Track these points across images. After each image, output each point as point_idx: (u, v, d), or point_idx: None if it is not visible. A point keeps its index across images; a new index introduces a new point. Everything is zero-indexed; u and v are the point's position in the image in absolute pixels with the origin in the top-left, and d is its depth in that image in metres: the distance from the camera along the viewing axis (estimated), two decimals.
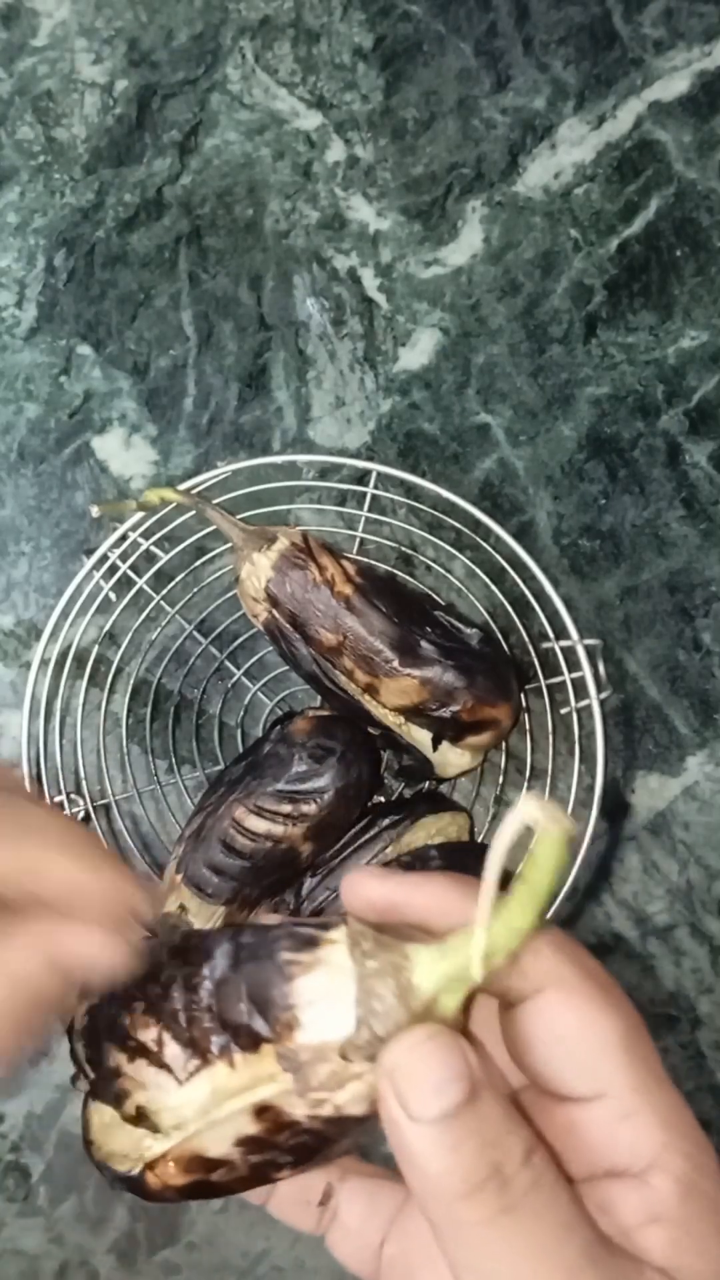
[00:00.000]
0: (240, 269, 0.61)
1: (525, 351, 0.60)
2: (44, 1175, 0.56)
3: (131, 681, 0.58)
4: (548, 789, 0.55)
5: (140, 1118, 0.22)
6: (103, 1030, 0.23)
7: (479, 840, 0.54)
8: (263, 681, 0.58)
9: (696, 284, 0.60)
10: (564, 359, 0.60)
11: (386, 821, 0.50)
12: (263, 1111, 0.21)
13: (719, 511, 0.59)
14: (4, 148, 0.63)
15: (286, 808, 0.48)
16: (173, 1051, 0.22)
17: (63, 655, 0.56)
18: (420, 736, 0.49)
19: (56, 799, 0.56)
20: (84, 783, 0.56)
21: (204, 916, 0.48)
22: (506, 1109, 0.21)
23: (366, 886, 0.24)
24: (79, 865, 0.23)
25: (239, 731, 0.58)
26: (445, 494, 0.54)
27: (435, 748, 0.49)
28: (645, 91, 0.62)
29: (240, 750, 0.55)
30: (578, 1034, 0.22)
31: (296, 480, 0.58)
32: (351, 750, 0.49)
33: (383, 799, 0.54)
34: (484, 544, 0.55)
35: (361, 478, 0.58)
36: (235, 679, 0.58)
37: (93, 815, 0.56)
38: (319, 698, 0.52)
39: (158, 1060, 0.22)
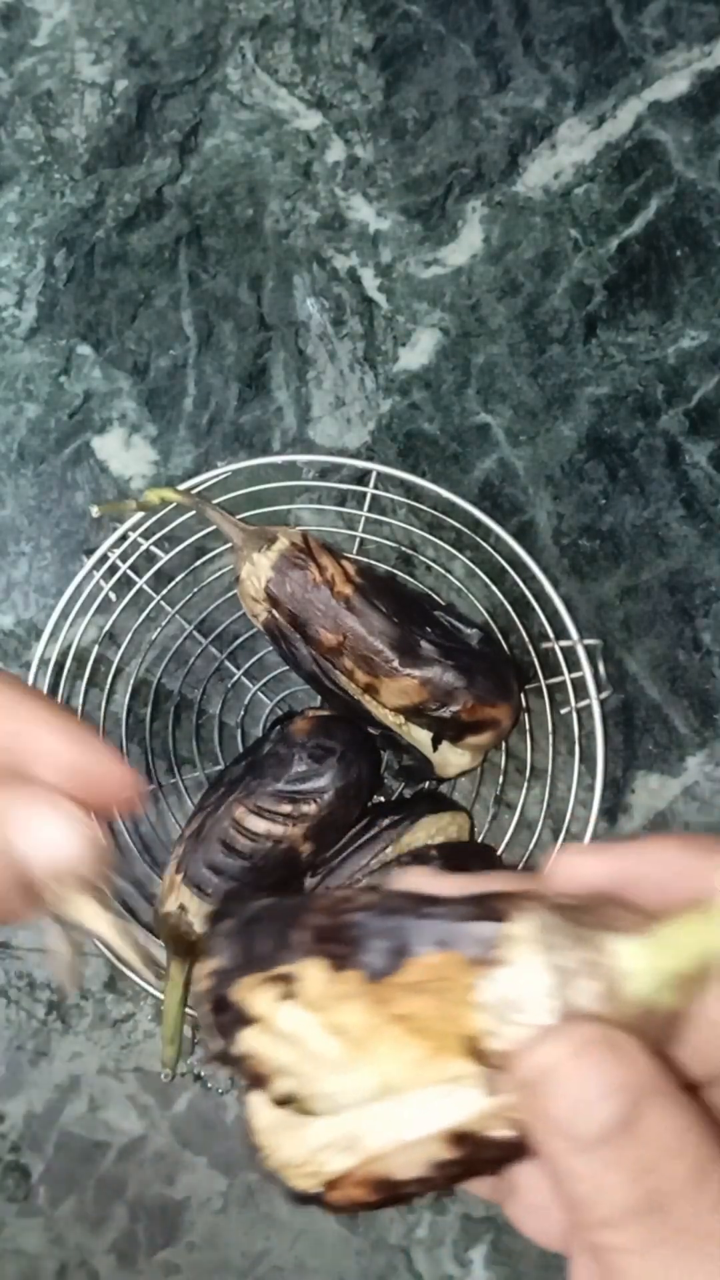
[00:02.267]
0: (240, 269, 0.61)
1: (525, 351, 0.60)
2: (44, 1175, 0.56)
3: (131, 681, 0.58)
4: (548, 789, 0.55)
5: (289, 1102, 0.20)
6: (233, 1007, 0.21)
7: (479, 840, 0.54)
8: (263, 681, 0.58)
9: (696, 284, 0.60)
10: (564, 359, 0.60)
11: (386, 821, 0.50)
12: (460, 1139, 0.19)
13: (719, 511, 0.59)
14: (4, 148, 0.63)
15: (286, 808, 0.48)
16: (322, 1042, 0.19)
17: (63, 655, 0.56)
18: (420, 736, 0.49)
19: None
20: None
21: (204, 916, 0.48)
22: (680, 1121, 0.18)
23: (583, 868, 0.20)
24: (70, 740, 0.22)
25: (239, 731, 0.58)
26: (445, 494, 0.54)
27: (435, 748, 0.49)
28: (645, 91, 0.62)
29: (240, 750, 0.55)
30: None
31: (296, 480, 0.58)
32: (351, 750, 0.49)
33: (383, 799, 0.54)
34: (484, 544, 0.55)
35: (361, 478, 0.58)
36: (235, 679, 0.58)
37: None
38: (319, 698, 0.52)
39: (295, 1043, 0.20)
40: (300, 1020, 0.19)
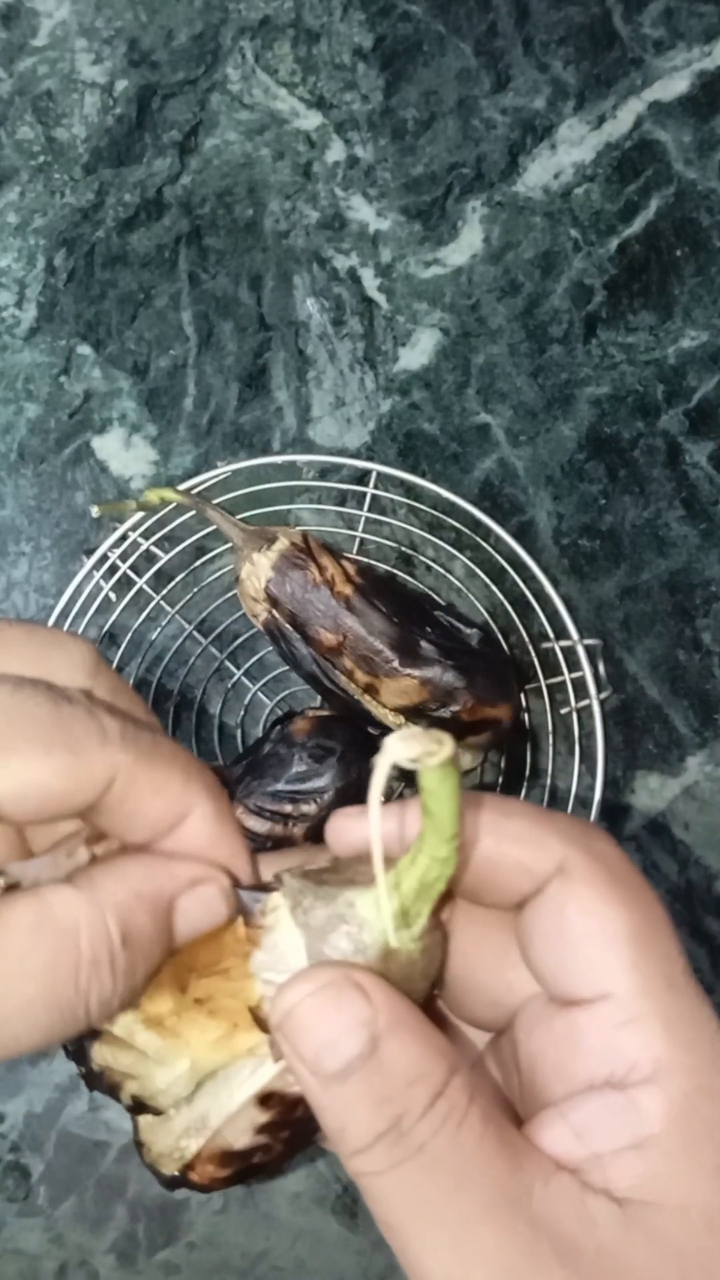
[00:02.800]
0: (240, 269, 0.61)
1: (525, 351, 0.60)
2: (44, 1175, 0.56)
3: (131, 681, 0.58)
4: (547, 789, 0.55)
5: (140, 1107, 0.22)
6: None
7: None
8: (263, 681, 0.58)
9: (696, 284, 0.60)
10: (564, 359, 0.60)
11: None
12: (266, 1099, 0.21)
13: (719, 511, 0.59)
14: (4, 148, 0.63)
15: (286, 808, 0.48)
16: (143, 1037, 0.21)
17: None
18: None
19: None
20: None
21: None
22: (418, 1049, 0.19)
23: (348, 830, 0.22)
24: (218, 815, 0.21)
25: (239, 731, 0.58)
26: (445, 494, 0.54)
27: None
28: (645, 91, 0.62)
29: (240, 750, 0.55)
30: (581, 929, 0.20)
31: (296, 480, 0.58)
32: (351, 750, 0.49)
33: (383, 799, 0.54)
34: (484, 544, 0.55)
35: (361, 478, 0.58)
36: (235, 679, 0.58)
37: None
38: (319, 698, 0.52)
39: (128, 1046, 0.21)
40: (127, 1020, 0.21)
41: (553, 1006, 0.21)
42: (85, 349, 0.61)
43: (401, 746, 0.18)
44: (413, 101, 0.62)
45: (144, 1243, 0.56)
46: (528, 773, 0.56)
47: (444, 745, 0.18)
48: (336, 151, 0.62)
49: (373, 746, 0.50)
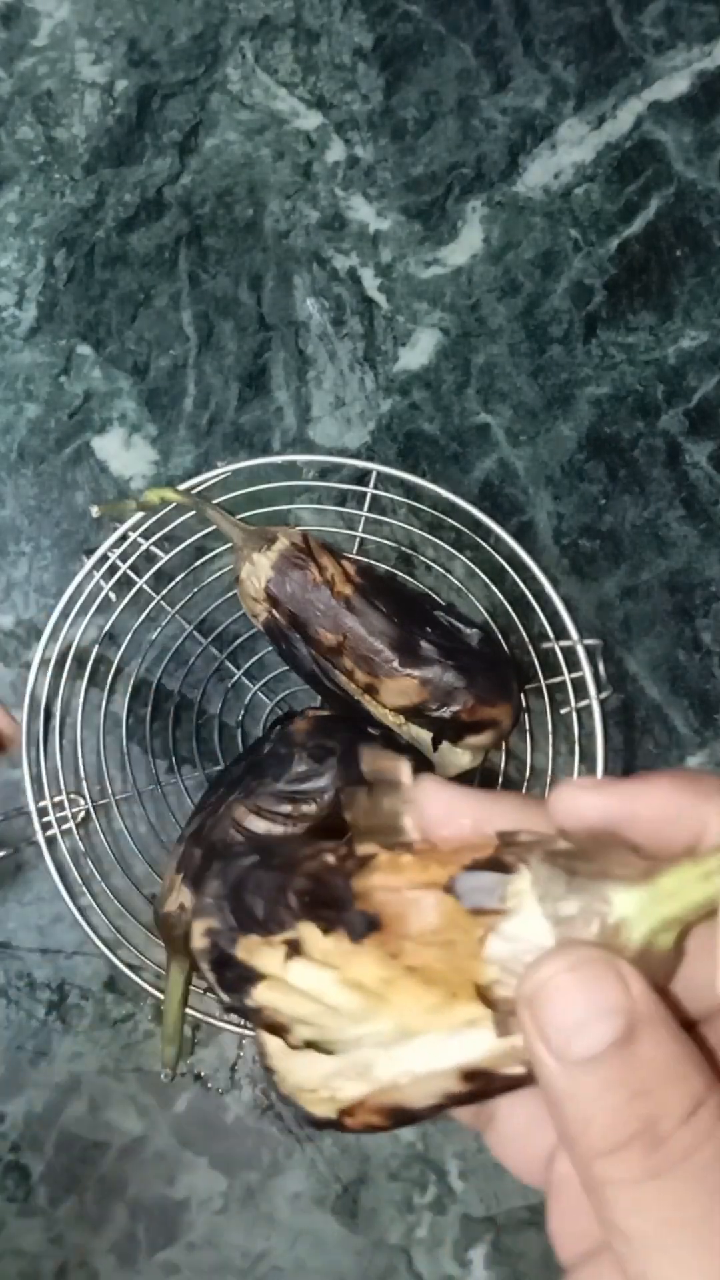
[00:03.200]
0: (240, 269, 0.61)
1: (525, 351, 0.60)
2: (44, 1175, 0.56)
3: (131, 681, 0.58)
4: (548, 789, 0.55)
5: (317, 1046, 0.20)
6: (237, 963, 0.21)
7: None
8: (263, 681, 0.58)
9: (696, 284, 0.60)
10: (564, 359, 0.60)
11: None
12: (472, 1075, 0.20)
13: (719, 511, 0.59)
14: (4, 148, 0.63)
15: (286, 808, 0.48)
16: (341, 996, 0.20)
17: (63, 655, 0.56)
18: (420, 736, 0.49)
19: (56, 799, 0.56)
20: (84, 783, 0.56)
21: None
22: (677, 1050, 0.18)
23: (579, 801, 0.20)
24: None
25: (239, 731, 0.58)
26: (445, 494, 0.54)
27: (435, 748, 0.49)
28: (645, 91, 0.62)
29: (240, 750, 0.55)
30: None
31: (296, 480, 0.58)
32: (351, 750, 0.49)
33: None
34: (484, 544, 0.55)
35: (361, 478, 0.58)
36: (235, 679, 0.58)
37: (93, 815, 0.56)
38: (319, 698, 0.52)
39: (313, 999, 0.20)
40: (316, 977, 0.20)
41: None
42: (85, 349, 0.61)
43: None
44: (413, 101, 0.62)
45: (144, 1243, 0.56)
46: (528, 773, 0.56)
47: None
48: (336, 151, 0.62)
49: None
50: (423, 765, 0.50)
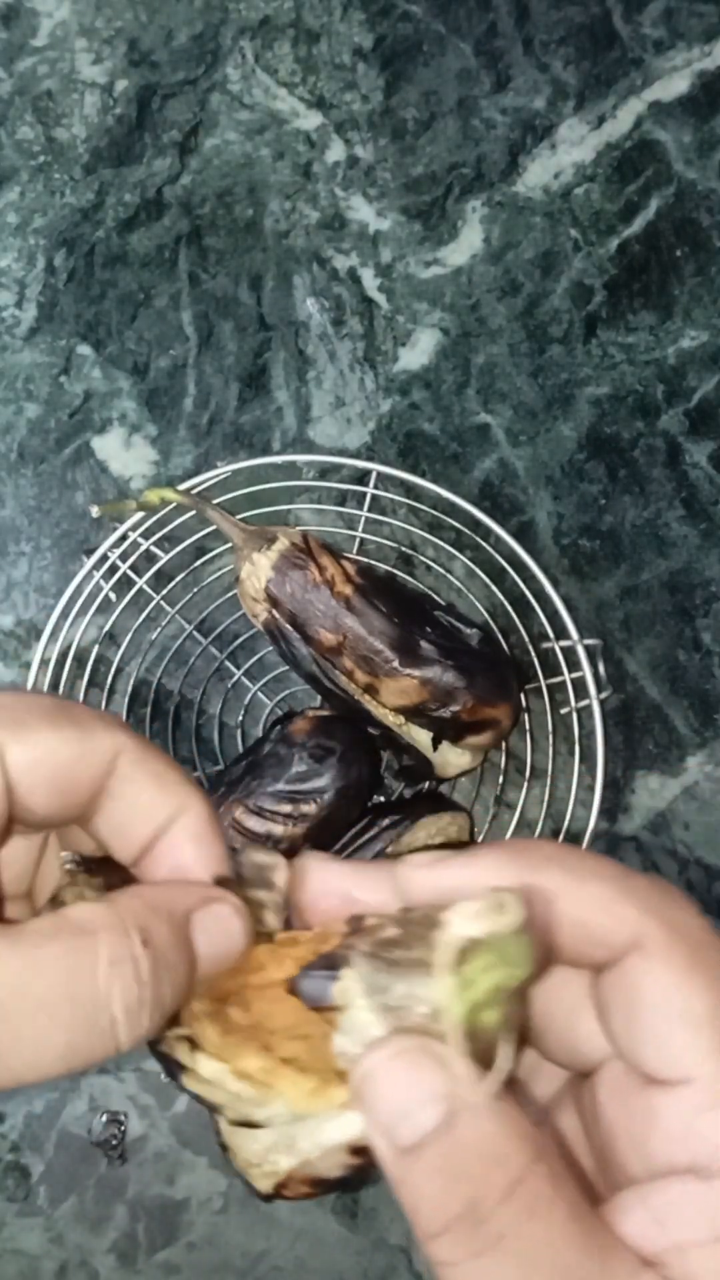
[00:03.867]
0: (240, 269, 0.61)
1: (525, 351, 0.60)
2: (44, 1175, 0.56)
3: (131, 681, 0.58)
4: (547, 789, 0.55)
5: (243, 1124, 0.22)
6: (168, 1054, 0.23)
7: (479, 840, 0.54)
8: (263, 681, 0.58)
9: (696, 284, 0.60)
10: (564, 359, 0.60)
11: (386, 821, 0.50)
12: (359, 1150, 0.21)
13: (719, 511, 0.59)
14: (4, 148, 0.63)
15: (286, 808, 0.48)
16: (236, 1085, 0.22)
17: (63, 655, 0.56)
18: (420, 736, 0.49)
19: None
20: None
21: None
22: (496, 1129, 0.18)
23: (414, 881, 0.21)
24: (212, 815, 0.21)
25: (239, 731, 0.58)
26: (445, 494, 0.54)
27: (435, 748, 0.49)
28: (645, 91, 0.62)
29: (240, 750, 0.55)
30: (659, 1009, 0.19)
31: (296, 480, 0.58)
32: (351, 750, 0.49)
33: (383, 799, 0.54)
34: (484, 544, 0.55)
35: (361, 478, 0.58)
36: (235, 679, 0.58)
37: None
38: (319, 698, 0.52)
39: (218, 1088, 0.22)
40: (214, 1068, 0.22)
41: (632, 1077, 0.20)
42: (85, 349, 0.61)
43: (470, 925, 0.18)
44: (413, 101, 0.62)
45: (144, 1243, 0.56)
46: (528, 773, 0.56)
47: (509, 909, 0.18)
48: (336, 151, 0.62)
49: (373, 746, 0.50)
50: (421, 775, 0.50)
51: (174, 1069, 0.23)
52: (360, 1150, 0.21)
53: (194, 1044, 0.22)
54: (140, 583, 0.56)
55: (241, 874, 0.23)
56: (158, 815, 0.21)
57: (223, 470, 0.54)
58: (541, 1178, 0.18)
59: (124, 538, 0.54)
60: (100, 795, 0.21)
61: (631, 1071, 0.20)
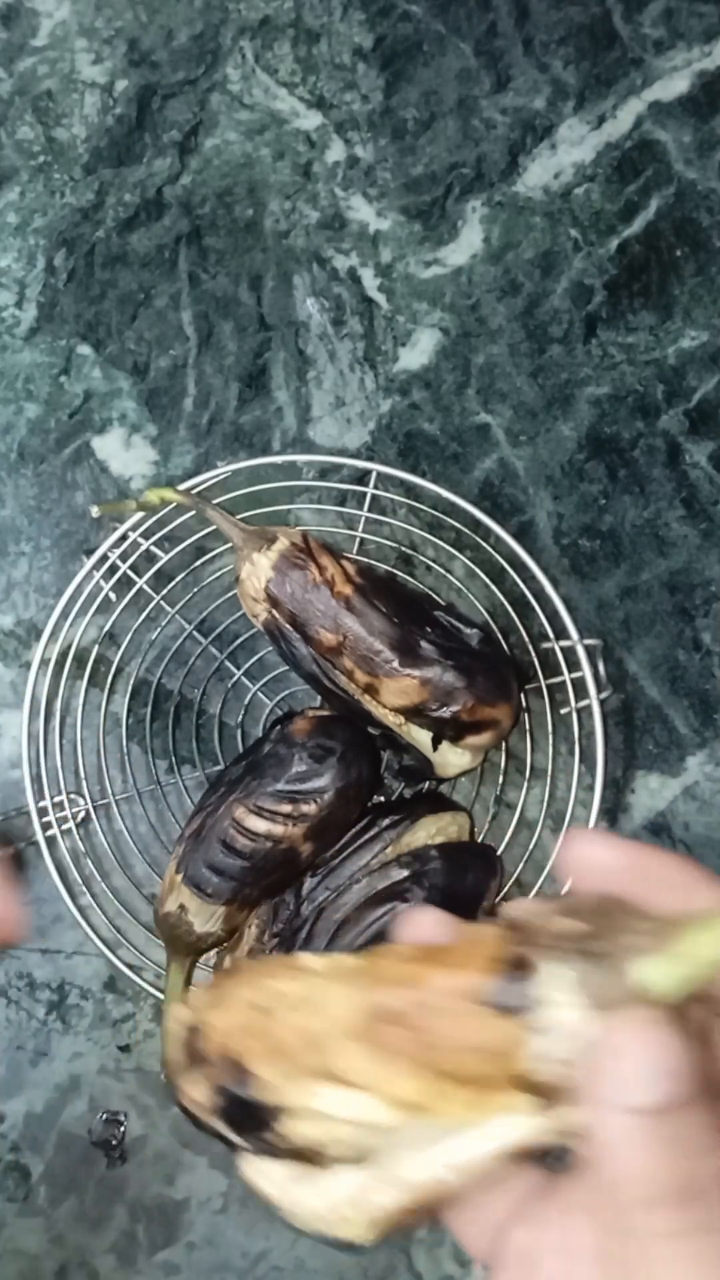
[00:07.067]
0: (240, 269, 0.61)
1: (525, 351, 0.60)
2: (44, 1175, 0.56)
3: (131, 681, 0.58)
4: (547, 789, 0.55)
5: (343, 1161, 0.21)
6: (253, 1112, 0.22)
7: (479, 840, 0.54)
8: (263, 681, 0.58)
9: (696, 284, 0.60)
10: (564, 359, 0.60)
11: (386, 821, 0.50)
12: (520, 1156, 0.21)
13: (719, 511, 0.59)
14: (4, 148, 0.63)
15: (286, 808, 0.48)
16: (388, 1115, 0.21)
17: (63, 655, 0.56)
18: (420, 736, 0.49)
19: (56, 799, 0.56)
20: (84, 783, 0.56)
21: (204, 916, 0.48)
22: (713, 1124, 0.19)
23: (595, 849, 0.21)
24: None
25: (239, 731, 0.58)
26: (445, 494, 0.54)
27: (435, 748, 0.49)
28: (645, 91, 0.62)
29: (240, 750, 0.55)
30: None
31: (296, 480, 0.58)
32: (351, 750, 0.49)
33: (383, 799, 0.54)
34: (484, 544, 0.55)
35: (361, 478, 0.58)
36: (235, 679, 0.58)
37: (93, 815, 0.56)
38: (319, 698, 0.52)
39: (346, 1122, 0.21)
40: (348, 1100, 0.21)
41: None
42: (85, 349, 0.61)
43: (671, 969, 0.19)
44: (413, 101, 0.62)
45: (144, 1243, 0.56)
46: (528, 773, 0.56)
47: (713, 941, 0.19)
48: (336, 151, 0.62)
49: (373, 746, 0.50)
50: (423, 773, 0.50)
51: (257, 1119, 0.21)
52: (517, 1155, 0.20)
53: (329, 1075, 0.21)
54: (140, 583, 0.56)
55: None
56: None
57: (223, 470, 0.54)
58: None
59: (124, 538, 0.54)
60: None
61: None
